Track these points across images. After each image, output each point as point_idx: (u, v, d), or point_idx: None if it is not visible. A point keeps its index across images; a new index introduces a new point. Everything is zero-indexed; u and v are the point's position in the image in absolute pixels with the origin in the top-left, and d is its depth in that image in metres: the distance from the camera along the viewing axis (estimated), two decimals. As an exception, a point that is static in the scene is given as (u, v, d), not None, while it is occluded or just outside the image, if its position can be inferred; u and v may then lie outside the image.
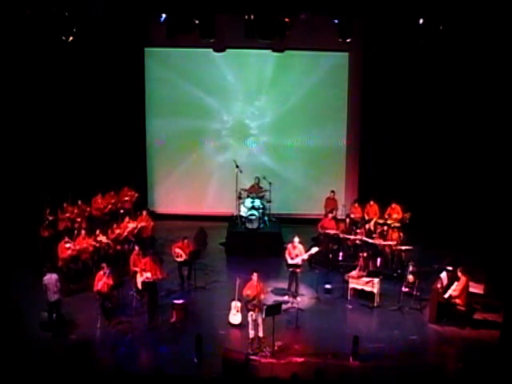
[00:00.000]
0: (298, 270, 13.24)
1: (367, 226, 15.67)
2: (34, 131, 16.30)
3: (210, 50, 17.37)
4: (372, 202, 16.05)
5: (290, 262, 13.15)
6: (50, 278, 11.77)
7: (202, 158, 18.65)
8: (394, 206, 15.63)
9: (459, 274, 12.20)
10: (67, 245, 13.60)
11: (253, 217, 16.16)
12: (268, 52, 17.50)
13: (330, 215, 15.48)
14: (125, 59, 17.26)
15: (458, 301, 12.06)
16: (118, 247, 14.60)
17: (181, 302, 12.29)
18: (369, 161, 17.83)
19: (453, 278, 12.42)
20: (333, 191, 16.91)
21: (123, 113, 17.55)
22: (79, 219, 15.22)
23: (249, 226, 16.18)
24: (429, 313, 12.51)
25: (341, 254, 15.03)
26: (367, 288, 13.03)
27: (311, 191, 18.21)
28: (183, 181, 18.68)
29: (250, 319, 11.24)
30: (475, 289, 12.48)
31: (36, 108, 16.31)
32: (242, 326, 11.87)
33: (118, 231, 14.72)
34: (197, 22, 14.10)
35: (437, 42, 14.64)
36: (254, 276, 11.48)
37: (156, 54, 18.14)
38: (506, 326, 10.79)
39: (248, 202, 16.46)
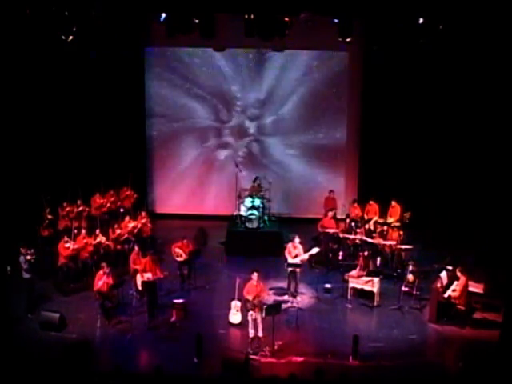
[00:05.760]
0: (297, 270, 13.24)
1: (367, 226, 15.67)
2: (33, 131, 16.26)
3: (210, 49, 17.42)
4: (372, 202, 16.06)
5: (290, 261, 13.15)
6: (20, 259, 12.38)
7: (201, 158, 18.69)
8: (393, 204, 15.62)
9: (458, 273, 12.21)
10: (67, 244, 13.62)
11: (253, 216, 16.15)
12: (268, 52, 17.55)
13: (330, 214, 15.47)
14: (125, 59, 17.26)
15: (457, 300, 12.07)
16: (118, 247, 14.63)
17: (181, 301, 12.29)
18: (369, 160, 17.84)
19: (453, 278, 12.43)
20: (331, 191, 16.93)
21: (123, 112, 17.55)
22: (77, 221, 15.21)
23: (249, 225, 16.18)
24: (429, 312, 12.52)
25: (341, 253, 15.01)
26: (367, 287, 13.04)
27: (311, 191, 18.22)
28: (183, 180, 18.70)
29: (249, 319, 11.25)
30: (475, 288, 12.49)
31: (36, 108, 16.28)
32: (242, 325, 11.87)
33: (118, 231, 14.75)
34: (197, 21, 14.10)
35: (437, 42, 14.64)
36: (254, 276, 11.49)
37: (156, 54, 18.15)
38: (506, 325, 10.76)
39: (248, 202, 16.44)
